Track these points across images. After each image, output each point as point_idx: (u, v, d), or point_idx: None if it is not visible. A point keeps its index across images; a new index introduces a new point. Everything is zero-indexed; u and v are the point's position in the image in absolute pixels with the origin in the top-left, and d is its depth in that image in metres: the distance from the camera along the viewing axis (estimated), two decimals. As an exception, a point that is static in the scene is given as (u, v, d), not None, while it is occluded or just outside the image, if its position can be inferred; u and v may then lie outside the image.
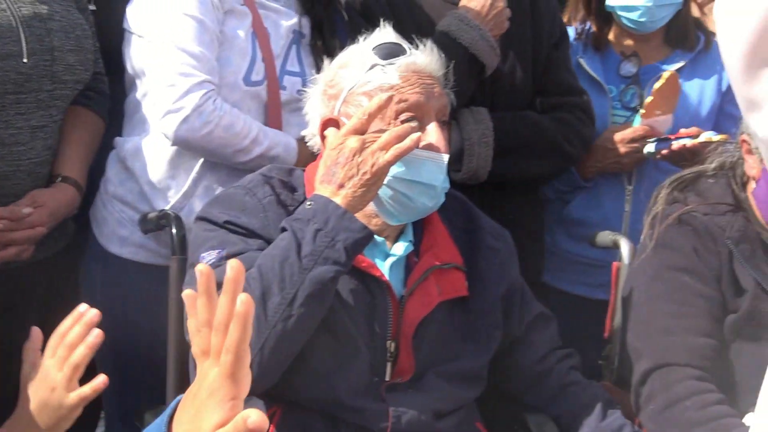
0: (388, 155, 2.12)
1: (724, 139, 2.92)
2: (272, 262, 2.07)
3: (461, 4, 2.98)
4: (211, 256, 2.17)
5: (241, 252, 2.17)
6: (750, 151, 2.53)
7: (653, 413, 2.42)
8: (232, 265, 1.38)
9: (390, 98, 2.18)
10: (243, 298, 1.34)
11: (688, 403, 2.37)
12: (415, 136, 2.14)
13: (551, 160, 3.14)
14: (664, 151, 3.14)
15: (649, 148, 3.20)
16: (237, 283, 1.37)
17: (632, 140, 3.17)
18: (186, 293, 1.44)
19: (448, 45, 2.79)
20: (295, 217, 2.14)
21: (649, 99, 3.12)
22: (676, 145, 3.06)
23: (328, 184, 2.15)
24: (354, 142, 2.14)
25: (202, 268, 1.41)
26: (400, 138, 2.13)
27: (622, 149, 3.19)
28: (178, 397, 1.47)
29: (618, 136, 3.20)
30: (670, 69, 3.27)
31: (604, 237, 2.96)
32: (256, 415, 1.29)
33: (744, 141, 2.55)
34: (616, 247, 2.89)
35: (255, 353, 2.01)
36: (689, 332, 2.45)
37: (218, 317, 1.37)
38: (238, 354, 1.34)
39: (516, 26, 3.06)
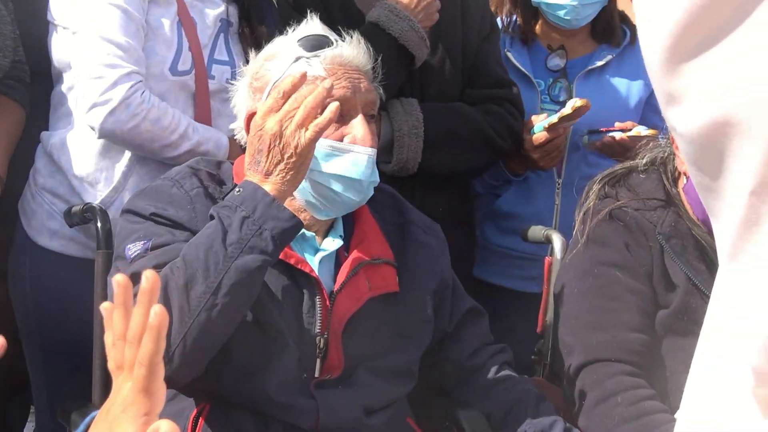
0: (309, 133, 2.06)
1: (653, 134, 2.92)
2: (197, 251, 2.02)
3: None
4: (136, 247, 2.12)
5: (168, 243, 2.12)
6: (680, 147, 2.53)
7: (585, 409, 2.41)
8: (147, 276, 1.33)
9: (304, 74, 2.12)
10: (157, 309, 1.30)
11: (619, 398, 2.36)
12: (333, 106, 2.08)
13: (481, 152, 3.14)
14: (597, 144, 3.15)
15: (583, 139, 3.21)
16: (152, 294, 1.33)
17: (540, 146, 3.15)
18: (103, 306, 1.40)
19: (377, 36, 2.77)
20: (223, 204, 2.09)
21: (553, 119, 3.09)
22: (580, 101, 3.06)
23: (255, 172, 2.10)
24: (272, 126, 2.08)
25: (119, 279, 1.37)
26: (315, 109, 2.07)
27: (535, 155, 3.17)
28: (93, 413, 1.42)
29: (527, 145, 3.17)
30: (600, 63, 3.27)
31: (536, 232, 2.95)
32: (166, 426, 1.25)
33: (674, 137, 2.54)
34: (548, 241, 2.89)
35: (177, 343, 1.98)
36: (620, 328, 2.45)
37: (131, 330, 1.33)
38: (152, 367, 1.30)
39: (446, 18, 3.05)
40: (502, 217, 3.33)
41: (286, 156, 2.07)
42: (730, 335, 0.99)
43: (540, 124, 3.13)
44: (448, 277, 2.49)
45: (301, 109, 2.07)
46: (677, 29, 0.87)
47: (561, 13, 3.24)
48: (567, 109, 3.04)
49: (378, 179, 2.29)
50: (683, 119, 0.89)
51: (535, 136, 3.13)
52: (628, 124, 3.17)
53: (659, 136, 2.79)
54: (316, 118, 2.07)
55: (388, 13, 2.88)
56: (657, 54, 0.90)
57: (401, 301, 2.36)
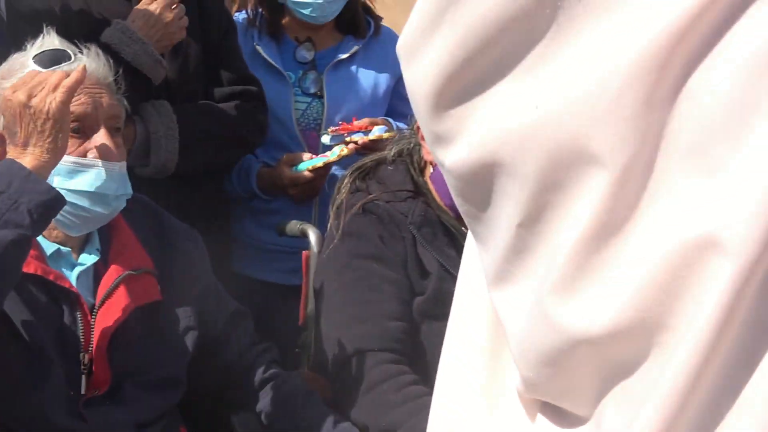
0: (59, 95, 2.03)
1: (392, 135, 3.01)
2: None
3: (134, 9, 2.90)
4: None
5: None
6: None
7: (353, 399, 2.49)
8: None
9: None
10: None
11: (385, 386, 2.45)
12: (80, 67, 2.08)
13: (234, 149, 3.19)
14: (342, 151, 3.18)
15: (325, 140, 3.27)
16: None
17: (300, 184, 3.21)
18: None
19: (110, 58, 2.71)
20: None
21: (318, 164, 3.14)
22: (347, 149, 3.13)
23: (13, 146, 2.06)
24: (20, 96, 2.05)
25: None
26: (63, 78, 2.06)
27: (292, 191, 3.23)
28: None
29: (286, 180, 3.22)
30: (348, 54, 3.34)
31: (293, 226, 3.00)
32: None
33: (419, 128, 2.64)
34: (304, 236, 2.94)
35: None
36: (381, 318, 2.53)
37: None
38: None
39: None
40: (262, 212, 3.35)
41: (39, 123, 2.03)
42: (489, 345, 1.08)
43: (305, 163, 3.17)
44: (210, 283, 2.51)
45: (54, 76, 2.07)
46: (442, 78, 0.91)
47: (306, 11, 3.28)
48: (333, 156, 3.13)
49: (130, 191, 2.28)
50: (451, 158, 0.94)
51: (296, 174, 3.18)
52: (365, 121, 3.24)
53: (405, 128, 2.89)
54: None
55: (121, 35, 2.81)
56: (423, 100, 0.94)
57: (165, 310, 2.37)
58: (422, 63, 0.93)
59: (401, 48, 0.98)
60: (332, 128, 3.28)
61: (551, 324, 0.88)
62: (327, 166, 3.17)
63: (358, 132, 3.23)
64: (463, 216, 1.02)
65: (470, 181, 0.94)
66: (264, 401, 2.47)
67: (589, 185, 0.85)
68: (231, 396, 2.50)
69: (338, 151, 3.14)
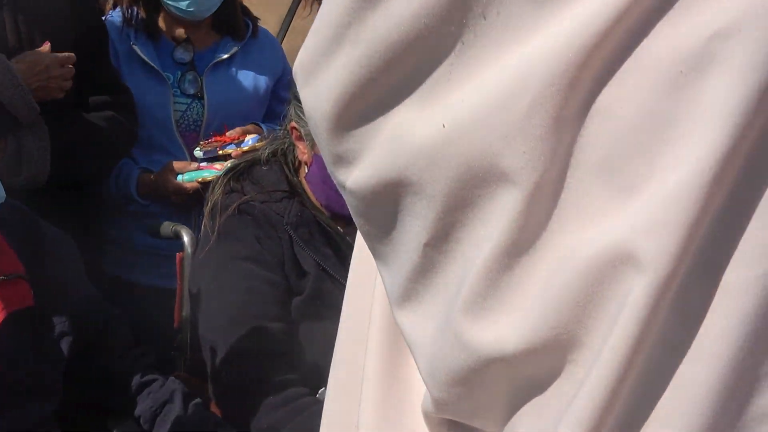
0: None
1: (264, 144, 2.97)
2: None
3: (26, 52, 2.83)
4: None
5: None
6: (300, 138, 2.64)
7: (234, 402, 2.47)
8: None
9: None
10: None
11: (265, 388, 2.45)
12: None
13: (106, 158, 3.15)
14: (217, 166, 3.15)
15: (198, 153, 3.23)
16: None
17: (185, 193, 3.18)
18: None
19: None
20: None
21: (206, 177, 3.11)
22: (219, 165, 3.11)
23: None
24: None
25: None
26: None
27: (177, 199, 3.20)
28: None
29: (171, 187, 3.18)
30: (227, 55, 3.31)
31: (165, 228, 2.97)
32: None
33: (293, 128, 2.65)
34: (177, 237, 2.91)
35: None
36: (260, 319, 2.52)
37: None
38: None
39: (55, 23, 2.95)
40: (141, 215, 3.29)
41: None
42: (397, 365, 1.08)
43: (192, 173, 3.14)
44: (85, 288, 2.48)
45: None
46: (343, 98, 0.90)
47: (183, 4, 3.22)
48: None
49: (3, 196, 2.23)
50: (353, 179, 0.93)
51: (182, 185, 3.15)
52: (237, 131, 3.22)
53: (277, 128, 2.88)
54: None
55: (3, 73, 2.73)
56: (321, 121, 0.93)
57: (38, 316, 2.31)
58: (322, 83, 0.92)
59: (299, 68, 0.96)
60: (204, 141, 3.23)
61: (462, 343, 0.87)
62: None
63: (231, 144, 3.20)
64: (363, 236, 1.00)
65: (373, 201, 0.93)
66: (142, 406, 2.44)
67: (500, 203, 0.85)
68: (110, 402, 2.46)
69: (250, 144, 3.12)
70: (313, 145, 2.60)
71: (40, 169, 2.82)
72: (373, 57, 0.88)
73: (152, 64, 3.27)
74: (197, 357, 2.63)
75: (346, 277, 2.56)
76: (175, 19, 3.31)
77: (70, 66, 2.91)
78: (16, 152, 2.78)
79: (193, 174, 3.16)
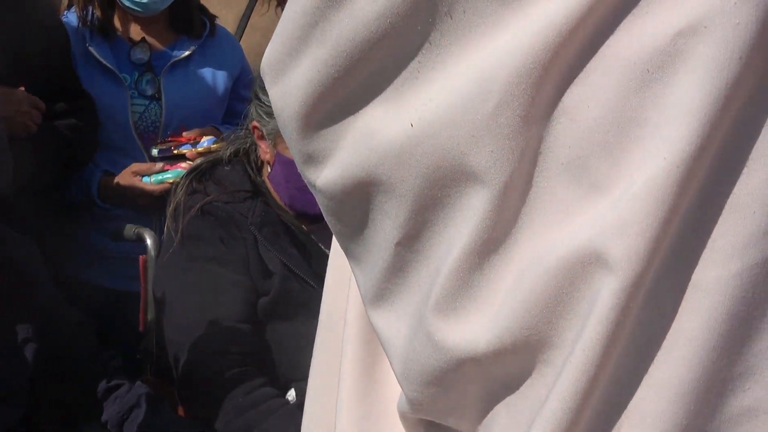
0: None
1: (220, 146, 2.94)
2: None
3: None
4: None
5: None
6: (262, 137, 2.62)
7: (203, 404, 2.46)
8: None
9: None
10: None
11: (234, 390, 2.43)
12: None
13: (69, 167, 3.13)
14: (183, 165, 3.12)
15: (154, 152, 3.19)
16: None
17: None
18: None
19: None
20: None
21: (169, 179, 3.09)
22: (185, 164, 3.08)
23: None
24: None
25: None
26: None
27: (142, 201, 3.16)
28: None
29: (136, 191, 3.15)
30: (184, 55, 3.28)
31: (128, 230, 2.94)
32: None
33: (255, 127, 2.63)
34: (140, 240, 2.88)
35: None
36: (226, 320, 2.51)
37: None
38: None
39: (12, 26, 2.91)
40: (106, 218, 3.24)
41: None
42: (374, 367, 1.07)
43: (158, 177, 3.11)
44: (49, 292, 2.44)
45: None
46: (311, 97, 0.90)
47: None
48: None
49: None
50: (323, 178, 0.93)
51: (150, 187, 3.11)
52: (195, 132, 3.19)
53: (237, 129, 2.85)
54: None
55: None
56: (291, 120, 0.92)
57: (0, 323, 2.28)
58: (290, 82, 0.92)
59: (266, 66, 0.96)
60: (160, 140, 3.20)
61: (434, 343, 0.87)
62: None
63: (186, 144, 3.16)
64: (335, 235, 1.00)
65: (344, 201, 0.93)
66: (109, 411, 2.42)
67: (469, 202, 0.85)
68: (76, 408, 2.44)
69: (206, 145, 3.09)
70: (275, 143, 2.58)
71: (1, 185, 2.78)
72: (339, 56, 0.88)
73: (109, 66, 3.21)
74: (164, 360, 2.61)
75: (312, 276, 2.59)
76: (130, 17, 3.25)
77: (39, 110, 2.90)
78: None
79: (158, 176, 3.13)
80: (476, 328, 0.85)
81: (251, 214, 2.61)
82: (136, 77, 3.25)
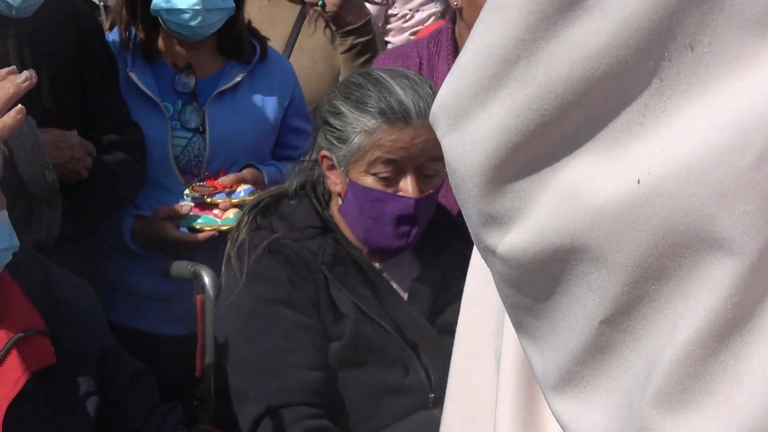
0: None
1: (252, 199, 2.72)
2: None
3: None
4: None
5: None
6: (332, 167, 2.46)
7: None
8: None
9: None
10: None
11: None
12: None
13: (115, 206, 2.95)
14: (205, 227, 2.93)
15: (186, 193, 2.98)
16: None
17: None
18: None
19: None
20: None
21: (206, 229, 2.92)
22: (206, 223, 2.91)
23: None
24: None
25: None
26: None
27: (174, 247, 2.96)
28: None
29: (172, 239, 2.95)
30: (231, 83, 3.08)
31: (181, 268, 2.74)
32: None
33: (324, 157, 2.46)
34: (195, 277, 2.68)
35: None
36: (297, 368, 2.33)
37: None
38: None
39: (61, 56, 2.76)
40: (141, 257, 3.03)
41: None
42: None
43: (190, 219, 2.93)
44: (107, 340, 2.27)
45: None
46: (504, 148, 0.77)
47: (184, 17, 2.90)
48: (228, 223, 2.86)
49: (17, 243, 2.03)
50: (508, 242, 0.80)
51: (185, 237, 2.93)
52: (231, 179, 2.96)
53: (303, 159, 2.66)
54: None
55: (30, 148, 2.51)
56: (474, 173, 0.79)
57: (60, 373, 2.11)
58: (475, 129, 0.79)
59: (441, 111, 0.82)
60: (196, 184, 2.97)
61: None
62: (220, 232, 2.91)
63: (221, 193, 2.95)
64: (509, 308, 0.86)
65: (532, 270, 0.80)
66: None
67: (709, 274, 0.72)
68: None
69: (234, 217, 2.86)
70: (347, 171, 2.41)
71: (50, 233, 2.61)
72: (546, 98, 0.75)
73: (150, 94, 2.99)
74: (225, 410, 2.42)
75: (386, 319, 2.44)
76: (174, 40, 3.03)
77: (92, 156, 2.76)
78: (26, 213, 2.56)
79: (191, 219, 2.93)
80: (713, 424, 0.72)
81: (321, 252, 2.43)
82: (179, 107, 3.03)
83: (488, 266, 0.85)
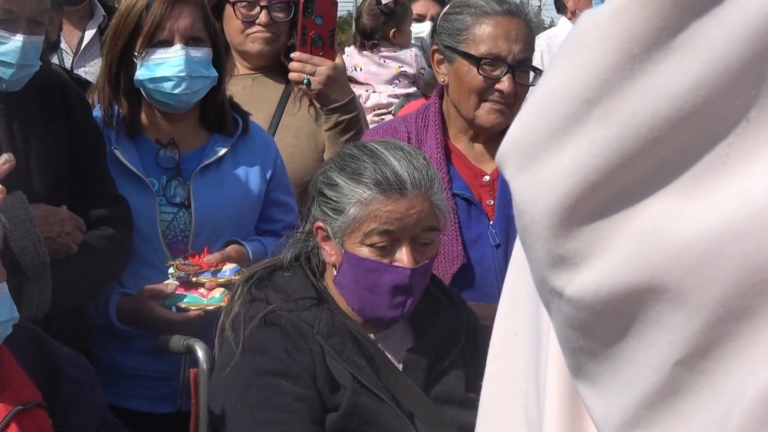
0: None
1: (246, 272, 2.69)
2: None
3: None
4: None
5: None
6: (327, 238, 2.46)
7: None
8: None
9: None
10: None
11: None
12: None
13: (103, 282, 2.92)
14: (226, 298, 2.82)
15: (170, 272, 2.93)
16: None
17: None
18: None
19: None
20: None
21: (192, 309, 2.90)
22: (192, 302, 2.88)
23: None
24: None
25: None
26: None
27: (162, 326, 2.92)
28: None
29: (155, 316, 2.90)
30: (215, 157, 3.09)
31: (176, 342, 2.71)
32: None
33: (319, 228, 2.47)
34: (188, 351, 2.66)
35: None
36: None
37: None
38: None
39: (51, 141, 2.78)
40: (127, 335, 2.99)
41: None
42: None
43: (176, 298, 2.89)
44: (105, 414, 2.24)
45: None
46: (579, 188, 0.76)
47: (168, 86, 2.91)
48: (214, 303, 2.85)
49: (18, 315, 2.01)
50: (578, 284, 0.78)
51: (171, 316, 2.88)
52: (216, 257, 2.94)
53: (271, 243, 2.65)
54: None
55: (21, 222, 2.51)
56: (545, 213, 0.78)
57: None
58: (548, 169, 0.78)
59: (510, 150, 0.81)
60: (180, 261, 2.93)
61: None
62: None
63: (206, 272, 2.91)
64: (569, 352, 0.84)
65: (602, 312, 0.79)
66: None
67: None
68: None
69: (220, 296, 2.85)
70: (342, 242, 2.42)
71: (40, 308, 2.59)
72: (628, 138, 0.74)
73: (135, 171, 2.98)
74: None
75: (383, 389, 2.41)
76: (158, 114, 3.03)
77: (81, 231, 2.76)
78: (17, 291, 2.54)
79: (177, 299, 2.89)
80: None
81: (317, 322, 2.42)
82: (164, 182, 3.02)
83: (550, 311, 0.83)
